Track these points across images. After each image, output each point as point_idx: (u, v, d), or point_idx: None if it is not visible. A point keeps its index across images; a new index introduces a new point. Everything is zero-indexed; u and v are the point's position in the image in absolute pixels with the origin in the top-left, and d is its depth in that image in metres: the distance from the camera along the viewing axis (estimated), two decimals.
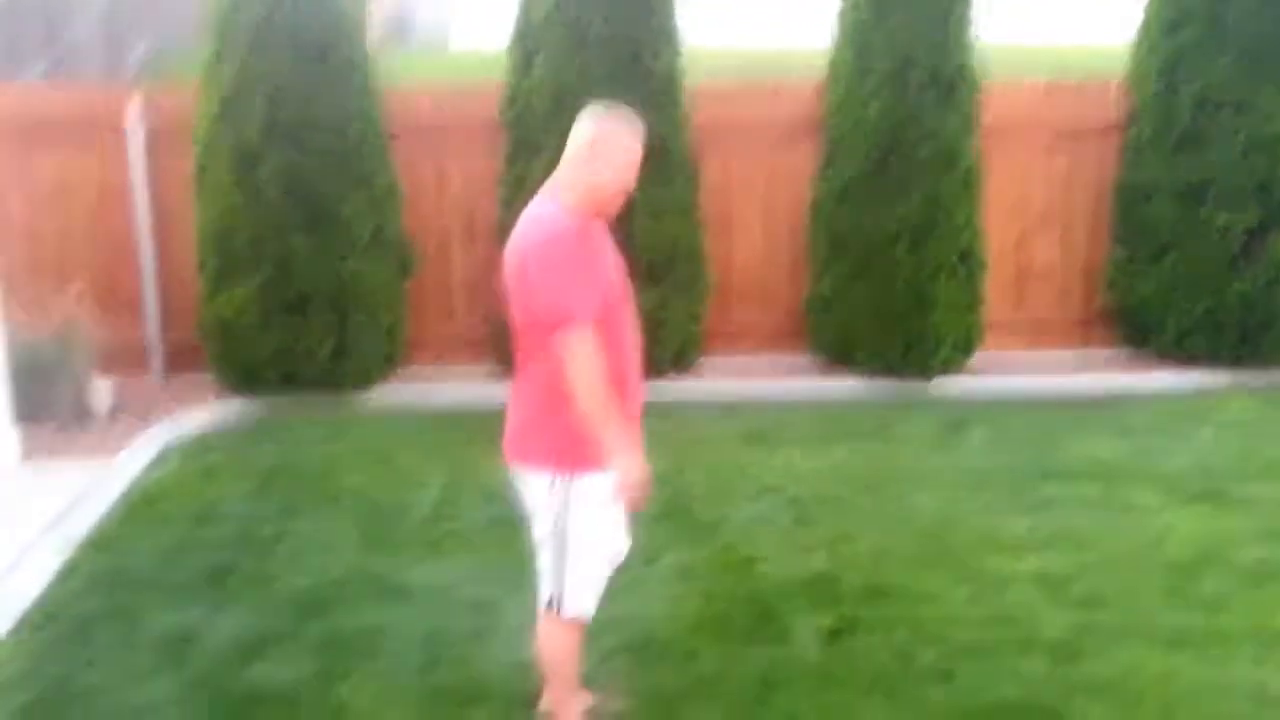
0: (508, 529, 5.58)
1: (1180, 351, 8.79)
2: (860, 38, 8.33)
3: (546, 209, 3.45)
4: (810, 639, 4.50)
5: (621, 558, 3.73)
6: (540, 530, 3.54)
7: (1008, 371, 8.78)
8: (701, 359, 8.74)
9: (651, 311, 8.11)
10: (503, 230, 8.27)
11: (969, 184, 8.41)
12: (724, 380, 8.56)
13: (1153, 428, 7.42)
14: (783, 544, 5.50)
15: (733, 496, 6.15)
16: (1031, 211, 9.20)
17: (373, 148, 8.03)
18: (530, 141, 8.06)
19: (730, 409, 7.89)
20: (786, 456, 6.86)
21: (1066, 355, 9.20)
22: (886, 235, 8.30)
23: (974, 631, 4.55)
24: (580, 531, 3.48)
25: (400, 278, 8.29)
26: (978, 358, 8.74)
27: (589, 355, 3.28)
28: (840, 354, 8.72)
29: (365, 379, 8.15)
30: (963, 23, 8.28)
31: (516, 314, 3.46)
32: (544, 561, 3.56)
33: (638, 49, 8.04)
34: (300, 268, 7.73)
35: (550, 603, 3.56)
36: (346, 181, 7.83)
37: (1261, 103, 8.41)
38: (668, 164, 8.16)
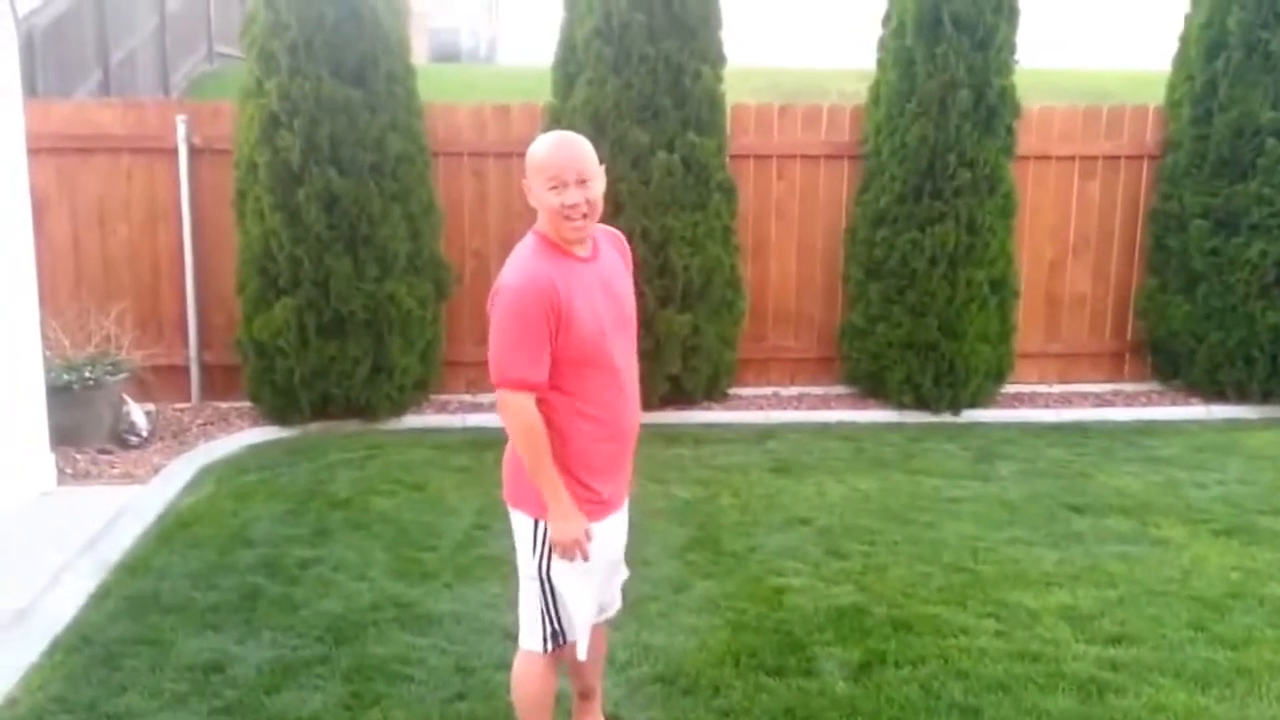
0: None
1: (1211, 383, 8.74)
2: (906, 62, 8.35)
3: (522, 245, 3.42)
4: (838, 672, 4.50)
5: (609, 612, 3.76)
6: (523, 571, 3.54)
7: (1039, 403, 8.77)
8: (734, 387, 8.77)
9: (685, 337, 8.17)
10: None
11: (1006, 211, 8.41)
12: (756, 409, 8.58)
13: (1182, 460, 7.39)
14: (812, 575, 5.50)
15: (763, 526, 6.16)
16: (1064, 240, 9.19)
17: (412, 168, 8.07)
18: None
19: (761, 437, 7.90)
20: (817, 486, 6.86)
21: (1099, 388, 9.17)
22: (922, 262, 8.31)
23: (1001, 666, 4.53)
24: (559, 577, 3.47)
25: (437, 300, 8.33)
26: (1010, 388, 8.74)
27: (522, 418, 3.29)
28: (873, 383, 8.72)
29: (401, 402, 8.21)
30: (1006, 48, 8.29)
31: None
32: (525, 603, 3.55)
33: (680, 70, 8.08)
34: (338, 289, 7.77)
35: (531, 643, 3.55)
36: (385, 202, 7.87)
37: None
38: (707, 187, 8.21)
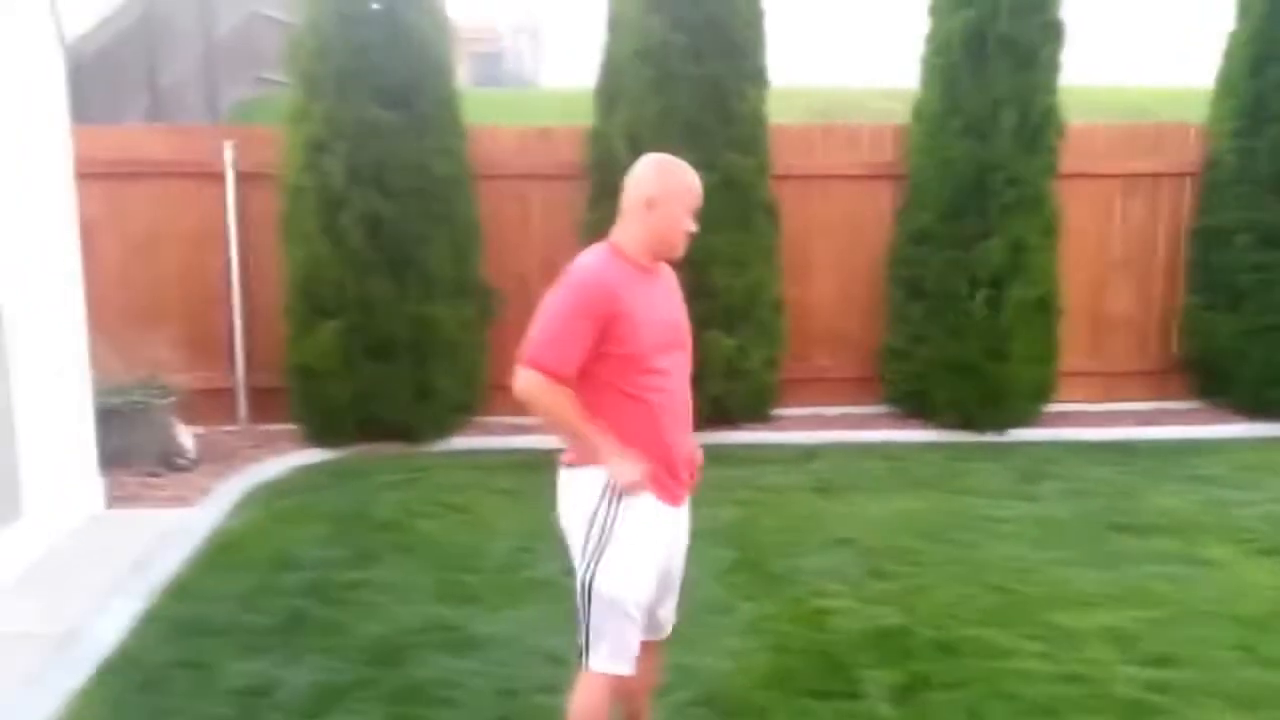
0: None
1: (1257, 401, 8.65)
2: (950, 80, 8.34)
3: (594, 250, 3.57)
4: (882, 695, 4.48)
5: (663, 631, 3.75)
6: (583, 549, 3.51)
7: (1083, 422, 8.71)
8: (776, 408, 8.76)
9: (729, 359, 8.15)
10: None
11: (1050, 230, 8.38)
12: (798, 429, 8.57)
13: (1227, 479, 7.33)
14: (854, 596, 5.49)
15: (805, 547, 6.15)
16: (1108, 258, 9.14)
17: (456, 189, 8.14)
18: (612, 184, 8.11)
19: (804, 458, 7.89)
20: (860, 507, 6.85)
21: (1143, 406, 9.10)
22: (965, 282, 8.29)
23: (1046, 689, 4.50)
24: (621, 542, 3.45)
25: (481, 322, 8.37)
26: (1053, 407, 8.69)
27: (536, 391, 3.39)
28: (915, 403, 8.70)
29: (444, 424, 8.26)
30: (1052, 65, 8.28)
31: None
32: (587, 619, 3.49)
33: (724, 91, 8.11)
34: (382, 311, 7.86)
35: (595, 663, 3.50)
36: (429, 224, 7.95)
37: None
38: (750, 208, 8.23)
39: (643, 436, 3.46)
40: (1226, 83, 8.87)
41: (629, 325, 3.39)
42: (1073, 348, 8.89)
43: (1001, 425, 8.41)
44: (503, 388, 8.59)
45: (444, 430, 8.27)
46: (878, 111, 8.84)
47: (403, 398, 7.99)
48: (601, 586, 3.44)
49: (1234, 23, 8.86)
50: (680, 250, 3.58)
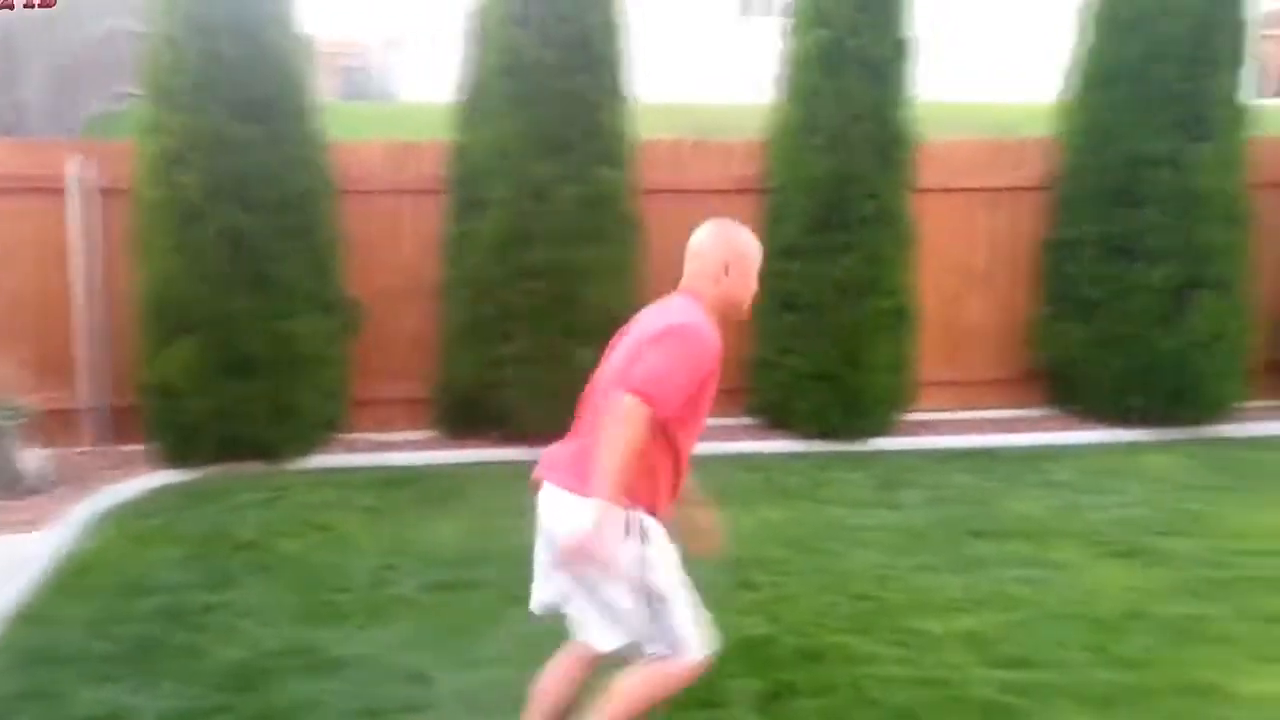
0: (447, 595, 5.61)
1: (1107, 409, 8.93)
2: (809, 97, 8.46)
3: (689, 308, 3.69)
4: (746, 704, 4.51)
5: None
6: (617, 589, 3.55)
7: (942, 430, 8.90)
8: None
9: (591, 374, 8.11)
10: (448, 290, 8.31)
11: (906, 242, 8.56)
12: None
13: (1082, 484, 7.54)
14: (720, 607, 5.47)
15: None
16: (968, 270, 9.36)
17: (316, 204, 8.02)
18: (476, 199, 8.09)
19: None
20: (724, 518, 6.86)
21: (1000, 414, 9.33)
22: (828, 293, 8.41)
23: (906, 693, 4.57)
24: (661, 576, 3.57)
25: (343, 337, 8.25)
26: (913, 417, 8.86)
27: (640, 429, 3.38)
28: (780, 414, 8.79)
29: (306, 442, 8.11)
30: (905, 81, 8.48)
31: (612, 377, 3.60)
32: (633, 619, 3.57)
33: (587, 105, 8.09)
34: (241, 327, 7.69)
35: (660, 653, 3.61)
36: (289, 239, 7.81)
37: (1190, 159, 8.60)
38: (616, 223, 8.24)
39: (660, 475, 3.61)
40: (1076, 98, 9.15)
41: (712, 385, 3.63)
42: (933, 357, 9.09)
43: (863, 434, 8.56)
44: (367, 403, 8.64)
45: (306, 448, 8.12)
46: (733, 129, 8.91)
47: (263, 415, 7.82)
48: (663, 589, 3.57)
49: (1076, 42, 9.14)
50: (748, 311, 3.82)
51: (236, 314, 7.66)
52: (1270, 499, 7.24)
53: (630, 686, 3.64)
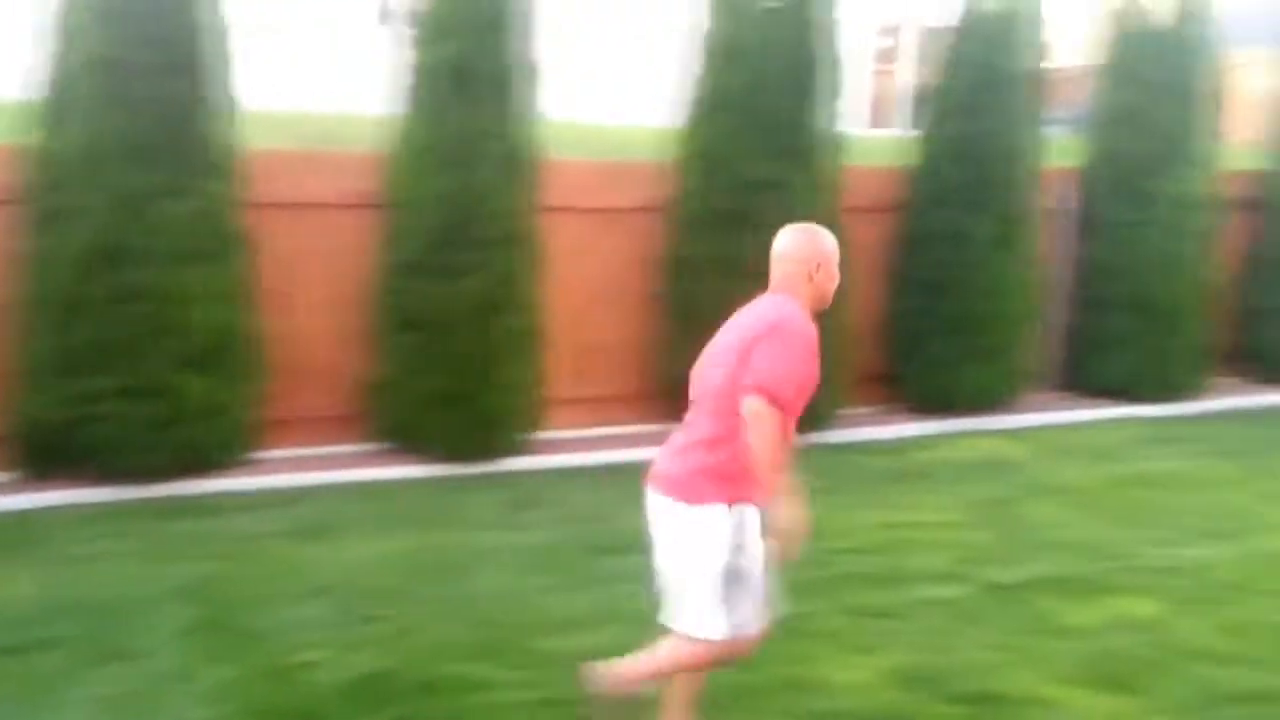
0: (12, 660, 5.00)
1: None
2: (435, 112, 8.25)
3: (789, 306, 4.13)
4: None
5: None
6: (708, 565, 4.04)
7: (571, 449, 8.89)
8: (254, 451, 8.21)
9: (202, 401, 7.60)
10: (31, 313, 7.45)
11: (535, 261, 8.51)
12: (281, 472, 8.09)
13: None
14: (336, 645, 5.24)
15: (282, 599, 5.77)
16: (592, 289, 9.39)
17: None
18: (64, 208, 7.32)
19: (285, 503, 7.45)
20: (345, 551, 6.57)
21: (626, 430, 9.39)
22: (454, 312, 8.24)
23: (528, 715, 4.49)
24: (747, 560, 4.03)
25: None
26: (543, 435, 8.82)
27: (773, 428, 3.86)
28: (405, 438, 8.53)
29: None
30: (530, 100, 8.42)
31: (715, 379, 4.11)
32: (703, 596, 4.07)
33: (187, 112, 7.52)
34: None
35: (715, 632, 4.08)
36: None
37: (793, 184, 8.98)
38: (220, 238, 7.71)
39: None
40: (690, 124, 9.41)
41: (816, 371, 4.06)
42: (560, 376, 9.05)
43: (494, 455, 8.42)
44: None
45: None
46: (373, 139, 8.57)
47: None
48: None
49: (693, 71, 9.39)
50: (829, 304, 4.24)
51: None
52: (867, 499, 7.65)
53: (665, 652, 4.20)
